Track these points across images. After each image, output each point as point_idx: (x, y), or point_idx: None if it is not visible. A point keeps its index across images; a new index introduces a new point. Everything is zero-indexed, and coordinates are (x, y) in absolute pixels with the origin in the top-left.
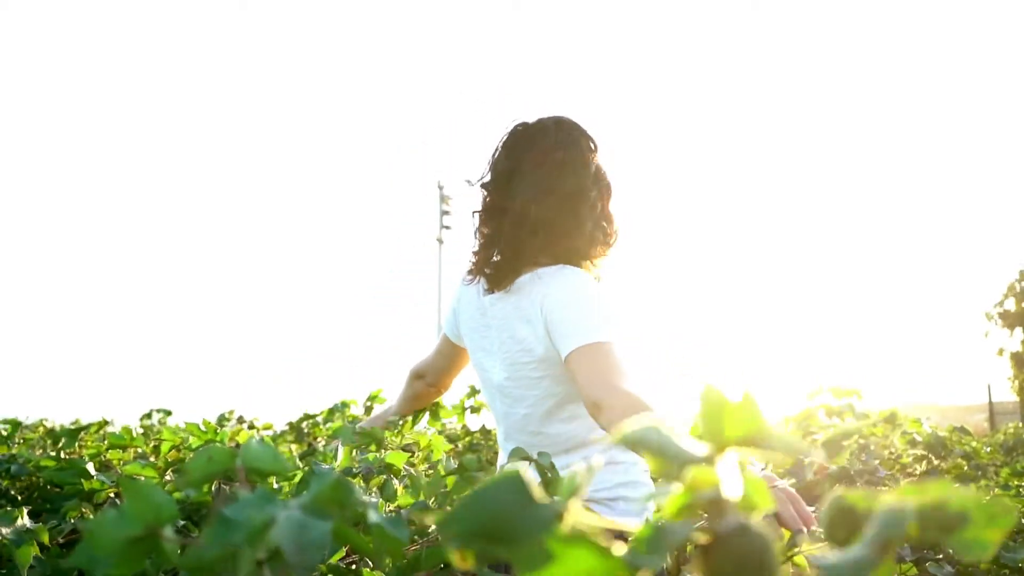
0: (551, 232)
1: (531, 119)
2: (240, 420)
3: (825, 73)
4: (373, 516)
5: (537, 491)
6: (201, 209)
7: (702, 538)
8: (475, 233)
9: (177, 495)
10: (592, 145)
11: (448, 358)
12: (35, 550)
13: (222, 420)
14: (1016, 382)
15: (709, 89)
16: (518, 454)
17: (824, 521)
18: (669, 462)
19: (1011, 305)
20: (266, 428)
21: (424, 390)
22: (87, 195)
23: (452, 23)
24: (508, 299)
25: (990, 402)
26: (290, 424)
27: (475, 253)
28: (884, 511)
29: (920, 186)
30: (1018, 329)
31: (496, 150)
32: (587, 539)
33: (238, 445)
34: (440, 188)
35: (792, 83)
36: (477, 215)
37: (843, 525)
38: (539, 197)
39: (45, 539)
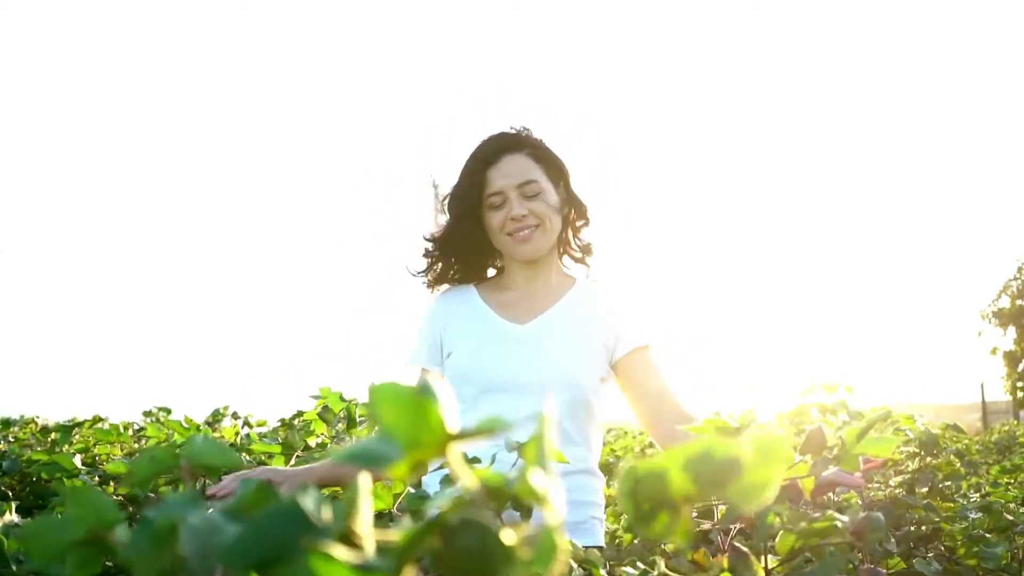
0: None
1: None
2: (235, 416)
3: (822, 74)
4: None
5: (321, 514)
6: (200, 209)
7: (437, 536)
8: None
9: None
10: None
11: None
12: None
13: (217, 416)
14: (1009, 381)
15: (708, 88)
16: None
17: (623, 491)
18: (369, 469)
19: (1005, 303)
20: (260, 425)
21: None
22: (85, 194)
23: (450, 22)
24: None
25: (983, 401)
26: (282, 421)
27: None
28: (625, 470)
29: (915, 185)
30: (1011, 328)
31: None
32: (342, 559)
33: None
34: (435, 187)
35: (789, 83)
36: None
37: (649, 495)
38: None
39: None
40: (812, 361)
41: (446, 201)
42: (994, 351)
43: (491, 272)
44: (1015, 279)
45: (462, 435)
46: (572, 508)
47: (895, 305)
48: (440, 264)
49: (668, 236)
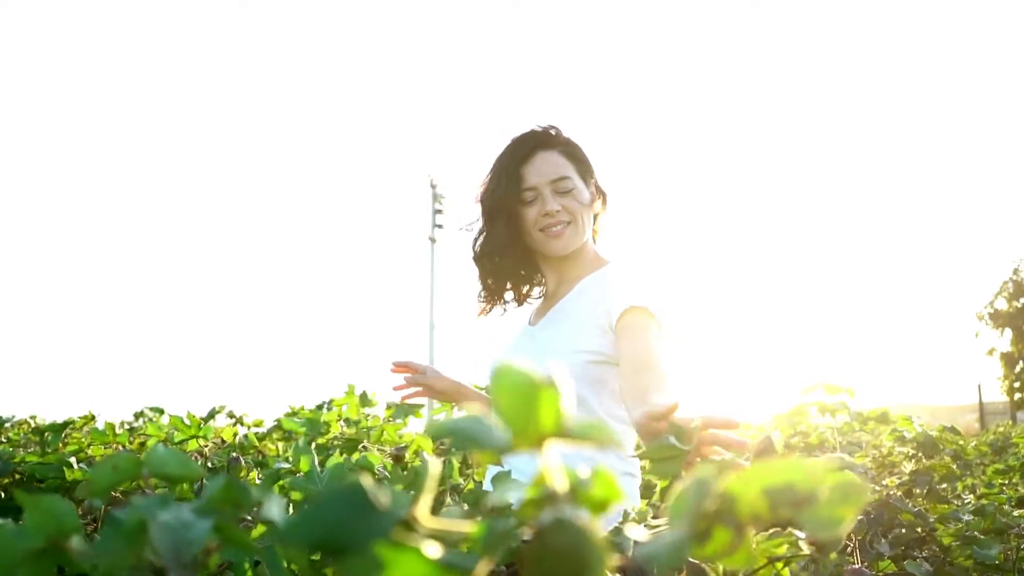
0: None
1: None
2: (230, 415)
3: (821, 75)
4: (275, 516)
5: (381, 498)
6: (199, 209)
7: (526, 535)
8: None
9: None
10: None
11: None
12: None
13: (212, 415)
14: (1006, 382)
15: (709, 89)
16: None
17: (677, 510)
18: (481, 451)
19: (1002, 305)
20: (256, 425)
21: None
22: (83, 193)
23: (448, 21)
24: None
25: (980, 402)
26: (278, 421)
27: None
28: (689, 483)
29: (913, 187)
30: (1008, 329)
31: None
32: (415, 545)
33: (223, 441)
34: (433, 187)
35: (790, 84)
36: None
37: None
38: None
39: None
40: (810, 362)
41: (479, 199)
42: (991, 352)
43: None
44: (1011, 280)
45: (565, 433)
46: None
47: (893, 306)
48: (491, 280)
49: (667, 236)
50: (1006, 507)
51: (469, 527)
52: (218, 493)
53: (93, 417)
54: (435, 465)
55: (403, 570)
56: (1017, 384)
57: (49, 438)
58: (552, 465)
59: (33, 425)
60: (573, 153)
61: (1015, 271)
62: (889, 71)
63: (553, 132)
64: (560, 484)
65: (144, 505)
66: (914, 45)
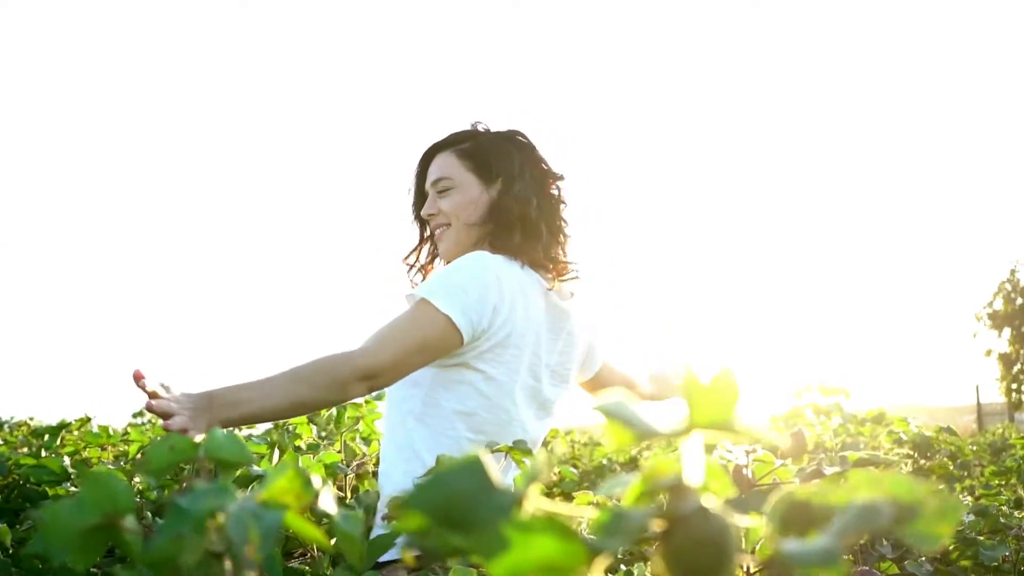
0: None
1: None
2: None
3: (819, 75)
4: (329, 509)
5: (497, 477)
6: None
7: (660, 523)
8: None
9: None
10: None
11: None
12: None
13: None
14: (1004, 383)
15: (706, 88)
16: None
17: (775, 517)
18: (635, 436)
19: (1000, 306)
20: (250, 427)
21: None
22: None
23: (447, 21)
24: (573, 308)
25: (978, 403)
26: (276, 424)
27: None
28: (860, 503)
29: (911, 187)
30: (1006, 330)
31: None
32: (548, 525)
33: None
34: None
35: (788, 83)
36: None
37: (796, 521)
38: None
39: (7, 540)
40: (807, 362)
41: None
42: (988, 353)
43: None
44: (1009, 281)
45: (725, 426)
46: None
47: (890, 306)
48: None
49: (667, 236)
50: (1004, 508)
51: (587, 513)
52: (280, 484)
53: (89, 419)
54: (548, 453)
55: (534, 549)
56: (1015, 385)
57: (46, 440)
58: (696, 456)
59: (31, 427)
60: (472, 152)
61: (1012, 272)
62: (888, 72)
63: (464, 131)
64: (696, 476)
65: (210, 493)
66: (913, 46)
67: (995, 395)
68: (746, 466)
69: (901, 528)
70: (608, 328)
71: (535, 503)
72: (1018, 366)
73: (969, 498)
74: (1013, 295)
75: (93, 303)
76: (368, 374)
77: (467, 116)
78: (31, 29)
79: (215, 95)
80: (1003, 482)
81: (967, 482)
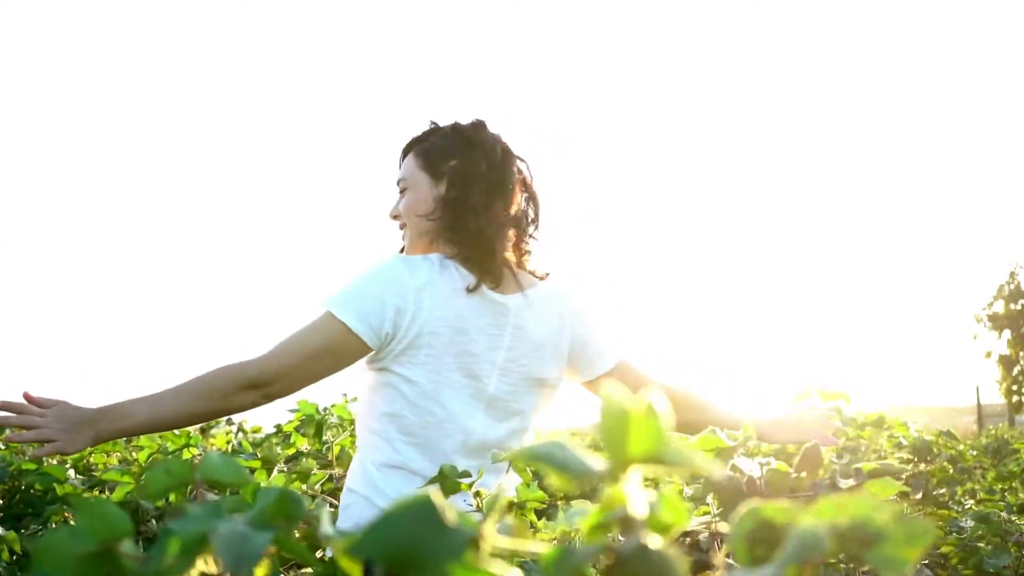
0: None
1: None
2: (228, 422)
3: (819, 76)
4: (326, 529)
5: (450, 515)
6: (198, 211)
7: (608, 557)
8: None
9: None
10: None
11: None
12: (5, 556)
13: (209, 423)
14: (1004, 384)
15: (706, 88)
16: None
17: (741, 532)
18: (572, 479)
19: (1000, 307)
20: (255, 431)
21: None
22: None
23: (446, 18)
24: (530, 303)
25: (978, 404)
26: (277, 427)
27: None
28: (801, 531)
29: (910, 189)
30: (1006, 331)
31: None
32: (488, 567)
33: (217, 449)
34: None
35: (787, 84)
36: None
37: (763, 538)
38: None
39: (17, 547)
40: (807, 364)
41: None
42: (988, 355)
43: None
44: (1008, 283)
45: (658, 459)
46: None
47: (891, 308)
48: None
49: (666, 235)
50: (1004, 514)
51: (541, 549)
52: (271, 505)
53: None
54: (508, 485)
55: None
56: (1015, 387)
57: None
58: (633, 490)
59: None
60: (425, 150)
61: (1011, 274)
62: (888, 73)
63: (424, 132)
64: (640, 510)
65: (201, 516)
66: (913, 47)
67: (995, 396)
68: (759, 478)
69: (867, 552)
70: (597, 322)
71: (491, 540)
72: (1018, 368)
73: (971, 501)
74: (1013, 297)
75: (94, 305)
76: (257, 382)
77: (467, 116)
78: (30, 29)
79: (214, 94)
80: (1006, 487)
81: (968, 485)
